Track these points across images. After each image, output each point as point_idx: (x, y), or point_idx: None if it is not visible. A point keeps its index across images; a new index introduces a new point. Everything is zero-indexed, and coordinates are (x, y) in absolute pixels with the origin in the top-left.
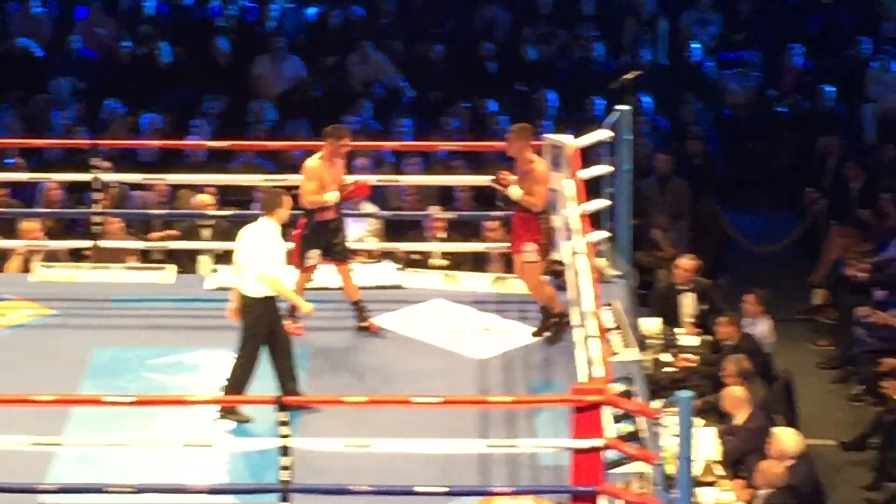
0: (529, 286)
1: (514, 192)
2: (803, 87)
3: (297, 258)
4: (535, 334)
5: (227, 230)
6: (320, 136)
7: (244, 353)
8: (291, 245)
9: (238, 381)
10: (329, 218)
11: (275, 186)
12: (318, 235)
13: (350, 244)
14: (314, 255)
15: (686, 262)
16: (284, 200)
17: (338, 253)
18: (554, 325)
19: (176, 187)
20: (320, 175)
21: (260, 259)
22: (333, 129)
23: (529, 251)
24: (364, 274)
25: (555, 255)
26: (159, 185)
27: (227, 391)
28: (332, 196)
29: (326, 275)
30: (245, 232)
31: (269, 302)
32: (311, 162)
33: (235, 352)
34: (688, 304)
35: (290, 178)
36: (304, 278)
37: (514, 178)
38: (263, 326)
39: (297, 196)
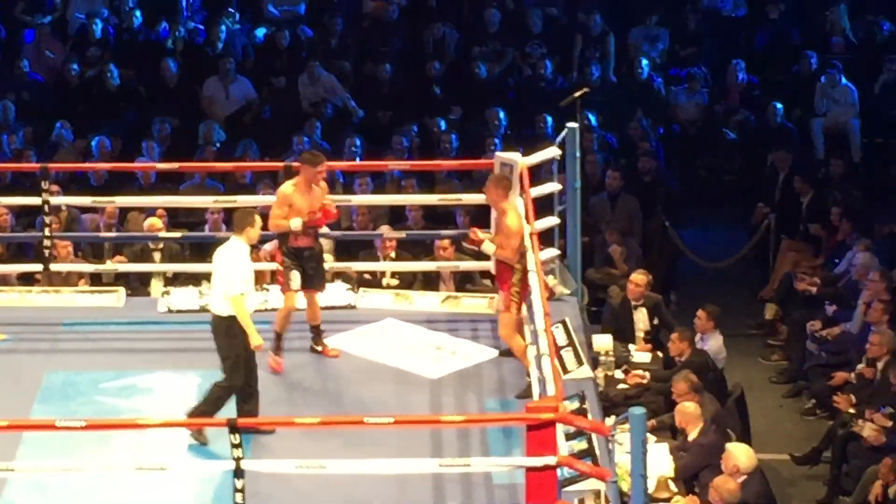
0: (501, 334)
1: (488, 247)
2: (750, 102)
3: (281, 284)
4: (518, 396)
5: (178, 252)
6: (272, 157)
7: (225, 375)
8: (258, 266)
9: (212, 403)
10: (303, 245)
11: (245, 206)
12: (294, 260)
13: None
14: (296, 277)
15: (639, 278)
16: (255, 220)
17: (310, 278)
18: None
19: (126, 210)
20: (291, 201)
21: (225, 277)
22: (310, 155)
23: (499, 300)
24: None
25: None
26: (109, 208)
27: (197, 410)
28: (295, 223)
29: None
30: (217, 252)
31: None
32: (285, 188)
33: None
34: (641, 319)
35: (239, 200)
36: (290, 305)
37: (484, 234)
38: (236, 346)
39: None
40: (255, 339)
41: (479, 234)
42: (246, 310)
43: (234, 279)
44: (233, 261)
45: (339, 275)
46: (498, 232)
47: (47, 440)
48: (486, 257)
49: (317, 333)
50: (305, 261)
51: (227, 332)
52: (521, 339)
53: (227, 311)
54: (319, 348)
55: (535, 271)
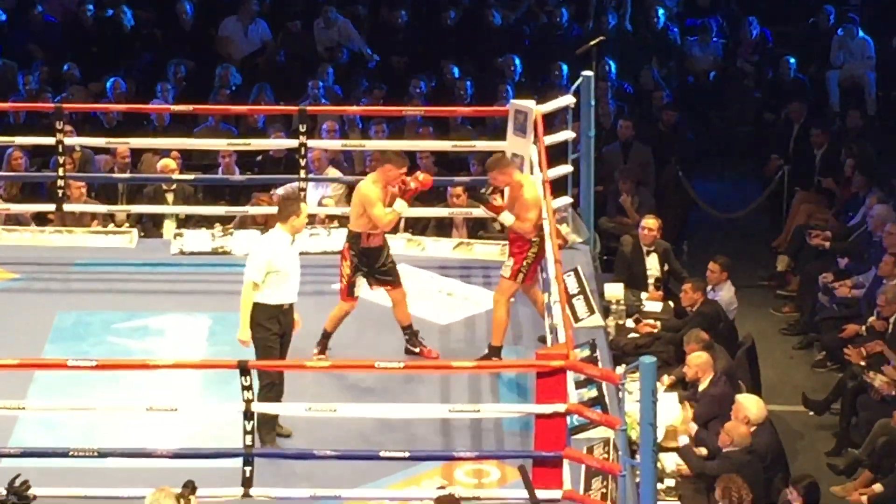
0: (495, 297)
1: (506, 218)
2: (764, 55)
3: (344, 288)
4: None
5: (191, 194)
6: (286, 102)
7: (266, 381)
8: (289, 256)
9: (270, 398)
10: (376, 245)
11: (291, 195)
12: (363, 263)
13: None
14: (361, 283)
15: (651, 223)
16: (301, 209)
17: (386, 278)
18: (487, 357)
19: (140, 152)
20: (382, 200)
21: (248, 262)
22: (396, 155)
23: (506, 266)
24: (326, 239)
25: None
26: (121, 150)
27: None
28: (400, 205)
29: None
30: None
31: (271, 309)
32: (369, 188)
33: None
34: (653, 265)
35: (253, 143)
36: (346, 309)
37: (504, 202)
38: (263, 337)
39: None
40: (243, 333)
41: (500, 200)
42: (249, 298)
43: (253, 265)
44: (263, 248)
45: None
46: (515, 204)
47: (58, 380)
48: None
49: (411, 335)
50: (376, 260)
51: (254, 322)
52: (507, 313)
53: (261, 299)
54: (417, 350)
55: (550, 231)
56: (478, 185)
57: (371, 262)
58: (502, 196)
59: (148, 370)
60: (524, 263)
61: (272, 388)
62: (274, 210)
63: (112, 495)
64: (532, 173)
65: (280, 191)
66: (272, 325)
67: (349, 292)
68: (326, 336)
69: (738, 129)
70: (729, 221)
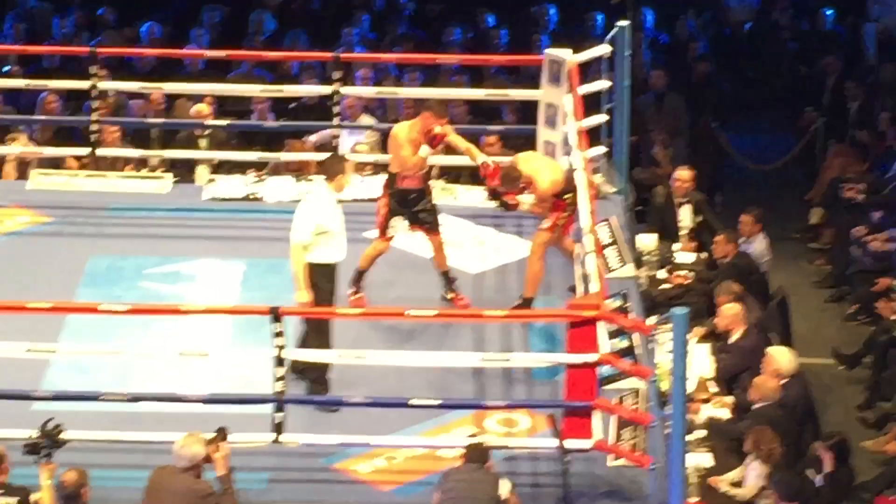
0: (531, 249)
1: (524, 200)
2: (799, 7)
3: (380, 227)
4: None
5: (224, 140)
6: (320, 48)
7: (310, 327)
8: (337, 215)
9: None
10: (412, 187)
11: (337, 153)
12: (401, 204)
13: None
14: (397, 223)
15: (684, 174)
16: (346, 167)
17: (425, 221)
18: (519, 307)
19: (173, 97)
20: (415, 144)
21: (297, 222)
22: (438, 104)
23: (546, 220)
24: (359, 186)
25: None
26: (155, 94)
27: (307, 370)
28: (425, 151)
29: (408, 240)
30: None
31: (323, 268)
32: (403, 130)
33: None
34: (686, 216)
35: (287, 89)
36: (380, 248)
37: (517, 197)
38: (321, 294)
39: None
40: (301, 294)
41: (514, 199)
42: (301, 260)
43: (301, 226)
44: (310, 209)
45: (384, 168)
46: (533, 194)
47: (90, 324)
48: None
49: (447, 280)
50: (413, 202)
51: (310, 282)
52: (542, 265)
53: (313, 259)
54: (450, 296)
55: (582, 169)
56: (511, 133)
57: (408, 203)
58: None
59: (180, 315)
60: (561, 216)
61: (318, 338)
62: (307, 156)
63: (143, 439)
64: (565, 123)
65: (313, 138)
66: (327, 284)
67: (383, 232)
68: (360, 274)
69: (772, 81)
70: (763, 173)
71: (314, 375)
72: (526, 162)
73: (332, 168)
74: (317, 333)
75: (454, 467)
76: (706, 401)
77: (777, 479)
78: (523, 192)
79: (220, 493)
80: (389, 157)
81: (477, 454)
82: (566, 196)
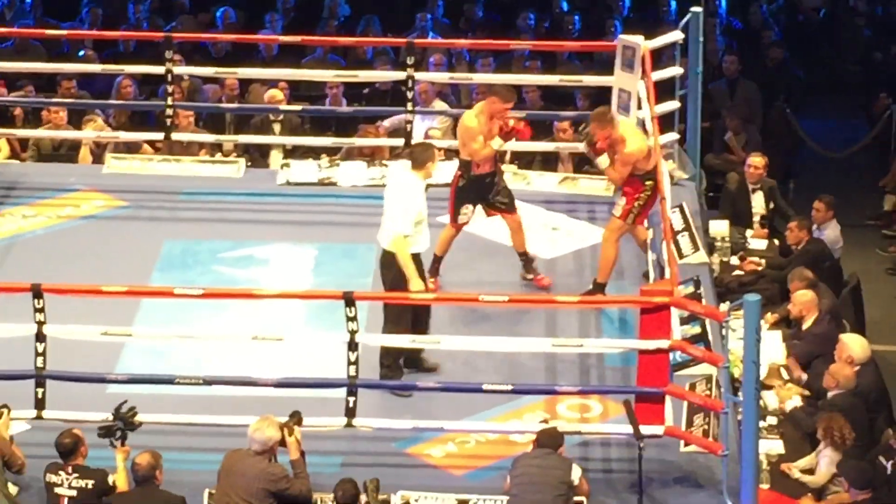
0: (603, 236)
1: (602, 161)
2: None
3: (451, 213)
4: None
5: (298, 125)
6: (394, 34)
7: (391, 315)
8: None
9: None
10: (486, 171)
11: (425, 141)
12: (473, 190)
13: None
14: (468, 210)
15: (757, 160)
16: (435, 155)
17: (501, 203)
18: (591, 293)
19: (247, 82)
20: (483, 132)
21: (396, 215)
22: (504, 88)
23: (618, 205)
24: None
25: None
26: (230, 81)
27: (384, 358)
28: (497, 143)
29: (485, 225)
30: (391, 180)
31: (419, 257)
32: (470, 119)
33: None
34: (758, 202)
35: (360, 75)
36: (453, 233)
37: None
38: (404, 283)
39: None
40: (416, 283)
41: (597, 142)
42: (407, 251)
43: (405, 219)
44: (408, 199)
45: (458, 152)
46: (613, 157)
47: (165, 307)
48: None
49: (526, 261)
50: (487, 187)
51: (396, 269)
52: (615, 252)
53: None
54: (530, 276)
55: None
56: (583, 119)
57: (483, 189)
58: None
59: (253, 299)
60: (635, 204)
61: (396, 327)
62: (380, 142)
63: (217, 422)
64: (640, 108)
65: (387, 123)
66: (422, 274)
67: (454, 217)
68: (437, 260)
69: (846, 67)
70: (836, 160)
71: (388, 361)
72: (622, 123)
73: (421, 156)
74: (396, 322)
75: (526, 452)
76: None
77: (848, 466)
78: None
79: (292, 477)
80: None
81: (549, 439)
82: (647, 182)
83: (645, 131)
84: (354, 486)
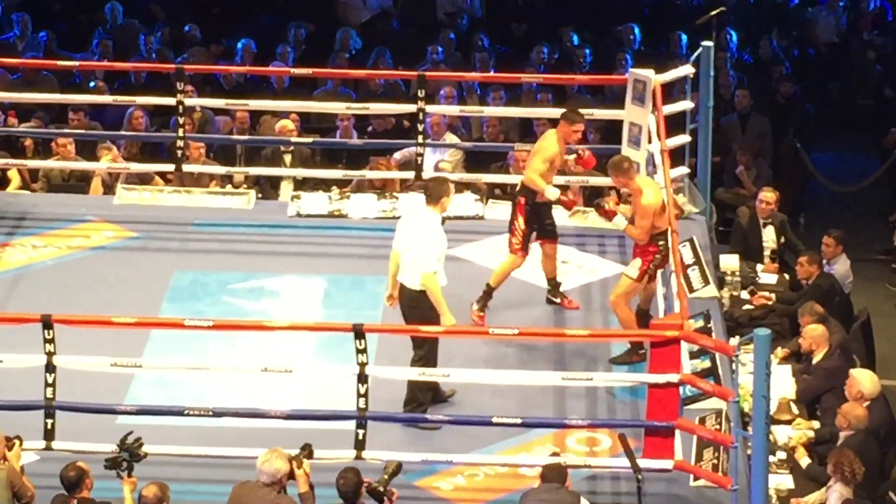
0: (612, 301)
1: (619, 221)
2: (884, 27)
3: (520, 243)
4: (612, 361)
5: (308, 157)
6: (405, 67)
7: (421, 353)
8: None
9: (422, 386)
10: (545, 200)
11: (441, 175)
12: (536, 219)
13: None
14: (528, 238)
15: (768, 195)
16: (450, 189)
17: (549, 231)
18: (630, 354)
19: (259, 114)
20: (553, 157)
21: (421, 253)
22: (571, 112)
23: (633, 266)
24: None
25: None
26: (240, 114)
27: (411, 397)
28: (552, 192)
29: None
30: (407, 218)
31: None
32: (548, 143)
33: (412, 355)
34: (769, 237)
35: (371, 107)
36: (519, 263)
37: (618, 207)
38: (434, 321)
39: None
40: (448, 318)
41: (611, 205)
42: (438, 288)
43: (430, 256)
44: (430, 235)
45: (468, 186)
46: (634, 209)
47: (175, 339)
48: None
49: (554, 286)
50: (544, 216)
51: (423, 308)
52: (631, 311)
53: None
54: (558, 300)
55: (665, 189)
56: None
57: (541, 217)
58: (619, 197)
59: (263, 331)
60: (650, 266)
61: (426, 362)
62: (391, 175)
63: (226, 454)
64: (650, 142)
65: (397, 155)
66: (435, 313)
67: (523, 247)
68: (489, 291)
69: (857, 102)
70: (846, 194)
71: (424, 398)
72: (639, 176)
73: (436, 190)
74: (426, 360)
75: (533, 488)
76: (788, 422)
77: (856, 502)
78: (618, 194)
79: None
80: (471, 177)
81: (554, 474)
82: (660, 242)
83: (655, 168)
84: (356, 474)
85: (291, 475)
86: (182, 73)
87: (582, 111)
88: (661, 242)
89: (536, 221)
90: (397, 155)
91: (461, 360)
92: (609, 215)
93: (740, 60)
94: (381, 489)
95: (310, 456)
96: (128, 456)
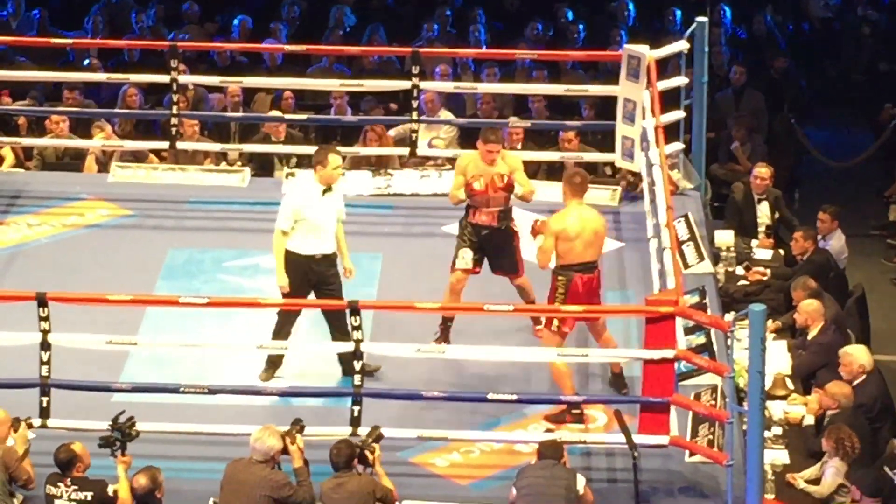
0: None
1: (537, 242)
2: (879, 2)
3: (453, 259)
4: (546, 417)
5: (302, 138)
6: (399, 43)
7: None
8: (318, 207)
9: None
10: (484, 223)
11: (325, 144)
12: (470, 237)
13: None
14: (466, 256)
15: (763, 171)
16: (329, 159)
17: (507, 266)
18: (564, 413)
19: (253, 91)
20: (464, 168)
21: (280, 210)
22: (486, 130)
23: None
24: (437, 181)
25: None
26: (232, 88)
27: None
28: (458, 193)
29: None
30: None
31: (299, 259)
32: (463, 156)
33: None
34: (764, 212)
35: (365, 84)
36: (456, 281)
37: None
38: (298, 284)
39: None
40: (280, 279)
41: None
42: (280, 248)
43: (280, 213)
44: (290, 196)
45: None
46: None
47: (170, 316)
48: (610, 149)
49: (534, 322)
50: (484, 240)
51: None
52: (560, 364)
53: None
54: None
55: (660, 165)
56: (589, 129)
57: (477, 239)
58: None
59: (258, 308)
60: (555, 304)
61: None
62: (384, 151)
63: (222, 431)
64: (644, 118)
65: (392, 132)
66: (295, 275)
67: (452, 263)
68: (444, 324)
69: (852, 77)
70: (841, 170)
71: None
72: (575, 200)
73: (315, 158)
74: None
75: (530, 464)
76: (783, 397)
77: (858, 475)
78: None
79: (296, 485)
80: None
81: (551, 450)
82: (560, 277)
83: (648, 144)
84: (349, 446)
85: (285, 451)
86: (176, 51)
87: (577, 87)
88: (560, 277)
89: (474, 244)
90: (392, 132)
91: (459, 337)
92: (535, 232)
93: (734, 36)
94: (362, 445)
95: (301, 431)
96: (120, 436)
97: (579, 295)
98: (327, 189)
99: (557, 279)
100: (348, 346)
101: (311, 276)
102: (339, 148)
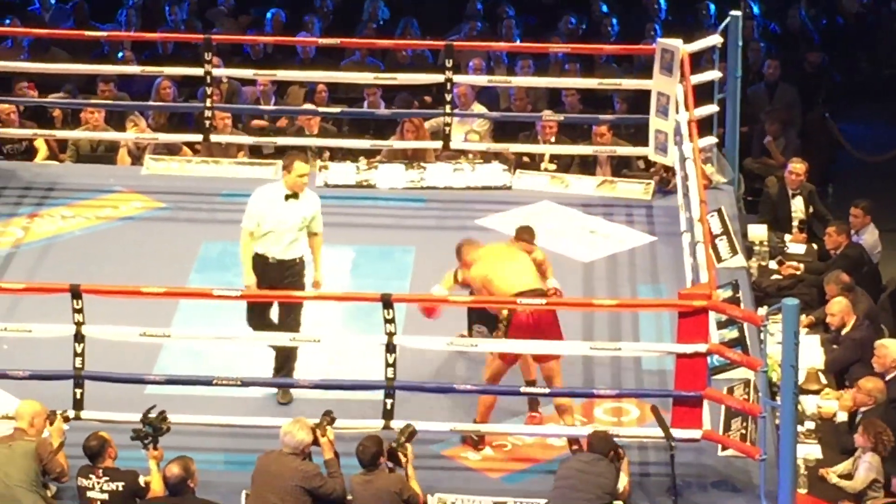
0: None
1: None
2: None
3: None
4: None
5: (337, 127)
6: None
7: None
8: (277, 211)
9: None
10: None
11: (294, 149)
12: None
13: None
14: (481, 330)
15: (797, 166)
16: (294, 166)
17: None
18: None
19: (286, 84)
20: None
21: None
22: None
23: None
24: (470, 175)
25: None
26: (262, 80)
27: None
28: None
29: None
30: None
31: (256, 259)
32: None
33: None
34: (798, 207)
35: (399, 77)
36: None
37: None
38: (259, 283)
39: None
40: (246, 278)
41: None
42: (245, 246)
43: (245, 214)
44: (253, 197)
45: (496, 155)
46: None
47: (203, 309)
48: (643, 143)
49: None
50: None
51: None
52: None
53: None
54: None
55: (693, 159)
56: (622, 123)
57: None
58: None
59: (291, 301)
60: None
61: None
62: (418, 144)
63: (255, 423)
64: (677, 112)
65: (425, 126)
66: (256, 274)
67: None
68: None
69: (885, 72)
70: (875, 164)
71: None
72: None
73: (283, 163)
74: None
75: (574, 455)
76: (816, 392)
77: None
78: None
79: (327, 476)
80: (499, 147)
81: (601, 443)
82: (502, 313)
83: (681, 138)
84: (374, 444)
85: (316, 443)
86: (210, 44)
87: (610, 81)
88: (501, 313)
89: (482, 316)
90: (425, 125)
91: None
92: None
93: (767, 30)
94: (395, 445)
95: (332, 423)
96: (151, 430)
97: (511, 332)
98: (292, 195)
99: (500, 314)
100: (284, 341)
101: (266, 278)
102: (372, 142)
